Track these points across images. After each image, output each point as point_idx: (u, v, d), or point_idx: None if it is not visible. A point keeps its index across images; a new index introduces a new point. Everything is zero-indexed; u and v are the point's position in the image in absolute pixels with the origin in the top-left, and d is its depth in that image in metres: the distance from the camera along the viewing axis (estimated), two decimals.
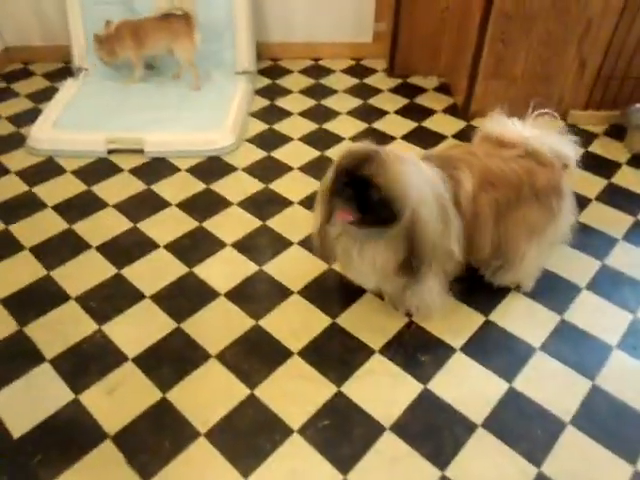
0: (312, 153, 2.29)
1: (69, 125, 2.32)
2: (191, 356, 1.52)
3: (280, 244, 1.86)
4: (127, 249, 1.84)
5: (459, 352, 1.53)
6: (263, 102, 2.63)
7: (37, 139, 2.27)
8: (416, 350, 1.54)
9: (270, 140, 2.37)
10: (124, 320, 1.61)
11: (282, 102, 2.63)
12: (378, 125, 2.47)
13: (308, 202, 2.02)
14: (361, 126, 2.46)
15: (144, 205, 2.02)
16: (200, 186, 2.11)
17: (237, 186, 2.12)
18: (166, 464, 1.28)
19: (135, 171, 2.19)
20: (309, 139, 2.38)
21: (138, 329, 1.59)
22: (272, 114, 2.54)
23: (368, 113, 2.55)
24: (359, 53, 2.96)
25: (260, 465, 1.29)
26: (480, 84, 2.36)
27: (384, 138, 2.37)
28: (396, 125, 2.46)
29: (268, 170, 2.20)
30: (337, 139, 2.37)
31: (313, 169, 2.19)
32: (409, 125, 2.47)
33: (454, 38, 2.59)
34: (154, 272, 1.76)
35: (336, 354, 1.53)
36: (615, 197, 2.06)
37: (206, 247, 1.85)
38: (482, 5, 2.17)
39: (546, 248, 1.58)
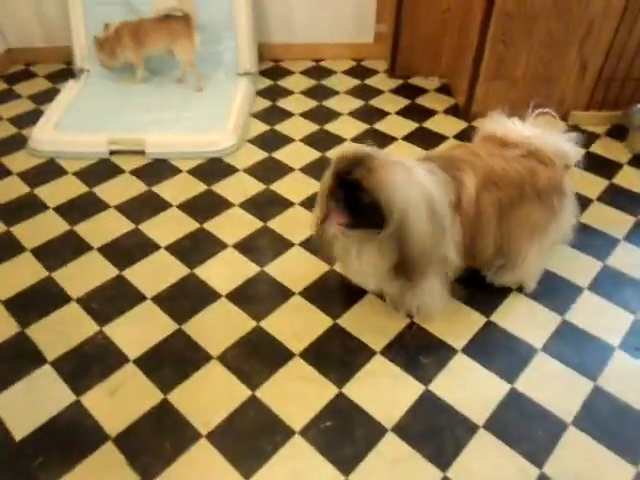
0: (313, 154, 2.29)
1: (70, 126, 2.32)
2: (192, 357, 1.52)
3: (281, 245, 1.86)
4: (128, 250, 1.84)
5: (460, 353, 1.53)
6: (264, 103, 2.63)
7: (39, 140, 2.27)
8: (417, 351, 1.53)
9: (271, 141, 2.37)
10: (125, 321, 1.62)
11: (283, 103, 2.63)
12: (379, 126, 2.47)
13: (309, 203, 2.02)
14: (362, 127, 2.46)
15: (145, 206, 2.02)
16: (201, 187, 2.11)
17: (238, 187, 2.12)
18: (167, 466, 1.29)
19: (136, 172, 2.19)
20: (310, 140, 2.38)
21: (139, 330, 1.59)
22: (273, 115, 2.54)
23: (369, 114, 2.55)
24: (360, 54, 2.96)
25: (261, 466, 1.29)
26: (481, 85, 2.36)
27: (385, 139, 2.38)
28: (397, 126, 2.46)
29: (269, 171, 2.20)
30: (338, 140, 2.37)
31: (314, 170, 2.19)
32: (410, 126, 2.47)
33: (455, 39, 2.59)
34: (155, 273, 1.76)
35: (337, 355, 1.53)
36: (616, 197, 2.06)
37: (207, 248, 1.85)
38: (483, 6, 2.17)
39: (548, 247, 1.58)
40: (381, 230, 1.28)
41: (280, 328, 1.59)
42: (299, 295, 1.69)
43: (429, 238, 1.29)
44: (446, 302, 1.55)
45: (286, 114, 2.55)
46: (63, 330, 1.59)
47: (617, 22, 2.17)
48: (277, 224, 1.95)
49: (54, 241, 1.88)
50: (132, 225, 1.94)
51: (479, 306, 1.65)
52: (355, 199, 1.26)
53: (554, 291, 1.70)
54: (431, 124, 2.48)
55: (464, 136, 2.37)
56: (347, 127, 2.45)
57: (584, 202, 2.00)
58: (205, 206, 2.02)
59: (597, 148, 2.32)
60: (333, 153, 2.27)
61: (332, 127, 2.45)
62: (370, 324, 1.60)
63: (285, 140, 2.38)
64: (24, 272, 1.76)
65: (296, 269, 1.78)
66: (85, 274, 1.75)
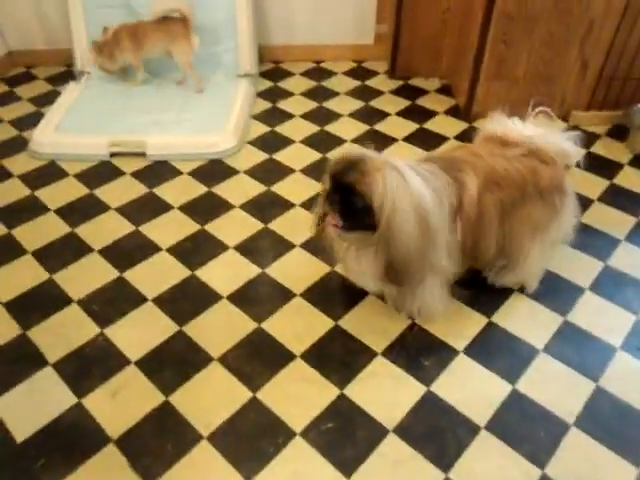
0: (314, 155, 2.29)
1: (71, 129, 2.32)
2: (193, 359, 1.52)
3: (282, 246, 1.86)
4: (129, 252, 1.84)
5: (462, 354, 1.53)
6: (265, 104, 2.63)
7: (39, 143, 2.28)
8: (419, 352, 1.53)
9: (272, 142, 2.37)
10: (126, 323, 1.62)
11: (284, 104, 2.63)
12: (380, 127, 2.47)
13: (310, 204, 2.01)
14: (363, 128, 2.46)
15: (146, 208, 2.02)
16: (202, 189, 2.12)
17: (239, 189, 2.12)
18: (169, 467, 1.28)
19: (137, 174, 2.19)
20: (311, 141, 2.38)
21: (140, 332, 1.59)
22: (274, 116, 2.54)
23: (370, 115, 2.55)
24: (361, 55, 2.96)
25: (263, 468, 1.28)
26: (482, 85, 2.36)
27: (386, 140, 2.38)
28: (398, 127, 2.46)
29: (270, 172, 2.20)
30: (339, 141, 2.37)
31: (315, 171, 2.19)
32: (411, 127, 2.47)
33: (455, 39, 2.59)
34: (156, 275, 1.76)
35: (338, 357, 1.52)
36: (617, 198, 2.05)
37: (208, 250, 1.85)
38: (484, 6, 2.17)
39: (549, 246, 1.58)
40: (373, 233, 1.28)
41: (281, 329, 1.59)
42: (300, 296, 1.69)
43: (414, 244, 1.28)
44: (447, 303, 1.55)
45: (286, 115, 2.55)
46: (64, 332, 1.59)
47: (618, 22, 2.17)
48: (278, 225, 1.95)
49: (55, 243, 1.88)
50: (133, 227, 1.94)
51: (480, 307, 1.65)
52: (349, 202, 1.27)
53: (555, 292, 1.70)
54: (432, 125, 2.48)
55: (465, 137, 2.37)
56: (347, 128, 2.45)
57: (585, 202, 2.00)
58: (206, 208, 2.02)
59: (598, 148, 2.32)
60: (333, 154, 2.27)
61: (332, 128, 2.45)
62: (371, 325, 1.60)
63: (285, 141, 2.38)
64: (25, 274, 1.76)
65: (297, 270, 1.77)
66: (86, 276, 1.76)
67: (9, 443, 1.33)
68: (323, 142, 2.37)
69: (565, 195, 1.49)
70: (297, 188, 2.11)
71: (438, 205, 1.31)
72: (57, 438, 1.34)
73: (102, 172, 2.20)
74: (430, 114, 2.55)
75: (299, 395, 1.43)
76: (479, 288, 1.67)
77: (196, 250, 1.85)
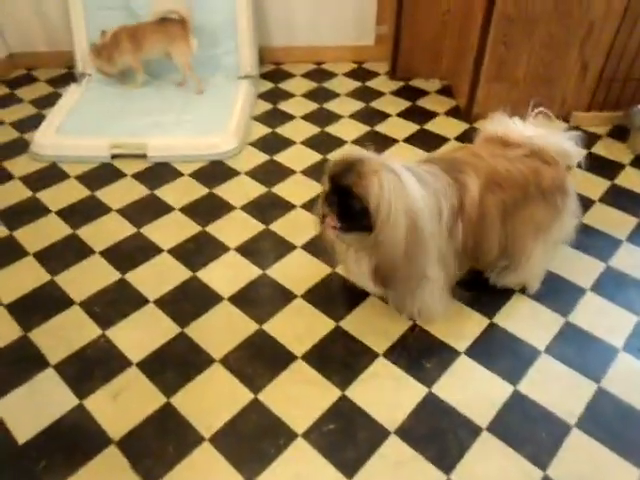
0: (315, 156, 2.30)
1: (72, 131, 2.32)
2: (195, 361, 1.52)
3: (283, 248, 1.86)
4: (130, 254, 1.84)
5: (463, 355, 1.53)
6: (266, 106, 2.63)
7: (40, 145, 2.28)
8: (420, 353, 1.53)
9: (273, 144, 2.37)
10: (128, 325, 1.62)
11: (285, 106, 2.63)
12: (380, 128, 2.47)
13: (311, 205, 2.01)
14: (363, 129, 2.46)
15: (147, 210, 2.02)
16: (203, 190, 2.12)
17: (240, 190, 2.12)
18: (170, 469, 1.28)
19: (138, 176, 2.19)
20: (312, 142, 2.38)
21: (142, 334, 1.59)
22: (275, 118, 2.54)
23: (370, 116, 2.55)
24: (361, 56, 2.97)
25: (264, 470, 1.28)
26: (482, 87, 2.36)
27: (386, 141, 2.38)
28: (398, 128, 2.47)
29: (271, 174, 2.20)
30: (339, 142, 2.37)
31: (316, 172, 2.19)
32: (411, 128, 2.47)
33: (455, 41, 2.59)
34: (157, 277, 1.76)
35: (340, 358, 1.52)
36: (618, 198, 2.05)
37: (209, 251, 1.85)
38: (484, 8, 2.17)
39: (551, 247, 1.59)
40: (368, 235, 1.29)
41: (282, 331, 1.59)
42: (301, 298, 1.69)
43: (403, 248, 1.28)
44: (447, 304, 1.55)
45: (287, 117, 2.55)
46: (66, 334, 1.59)
47: (618, 23, 2.17)
48: (279, 227, 1.95)
49: (56, 245, 1.88)
50: (134, 229, 1.94)
51: (481, 308, 1.65)
52: (347, 204, 1.27)
53: (557, 292, 1.69)
54: (432, 126, 2.48)
55: (465, 138, 2.37)
56: (348, 129, 2.45)
57: (586, 203, 2.00)
58: (207, 209, 2.03)
59: (599, 149, 2.32)
60: (334, 155, 2.27)
61: (333, 129, 2.46)
62: (372, 326, 1.60)
63: (286, 143, 2.38)
64: (26, 276, 1.77)
65: (298, 272, 1.77)
66: (87, 278, 1.76)
67: (11, 444, 1.33)
68: (324, 143, 2.37)
69: (567, 195, 1.49)
70: (298, 189, 2.11)
71: (434, 209, 1.31)
72: (58, 439, 1.34)
73: (103, 174, 2.20)
74: (431, 115, 2.55)
75: (300, 396, 1.43)
76: (480, 289, 1.67)
77: (197, 251, 1.85)
